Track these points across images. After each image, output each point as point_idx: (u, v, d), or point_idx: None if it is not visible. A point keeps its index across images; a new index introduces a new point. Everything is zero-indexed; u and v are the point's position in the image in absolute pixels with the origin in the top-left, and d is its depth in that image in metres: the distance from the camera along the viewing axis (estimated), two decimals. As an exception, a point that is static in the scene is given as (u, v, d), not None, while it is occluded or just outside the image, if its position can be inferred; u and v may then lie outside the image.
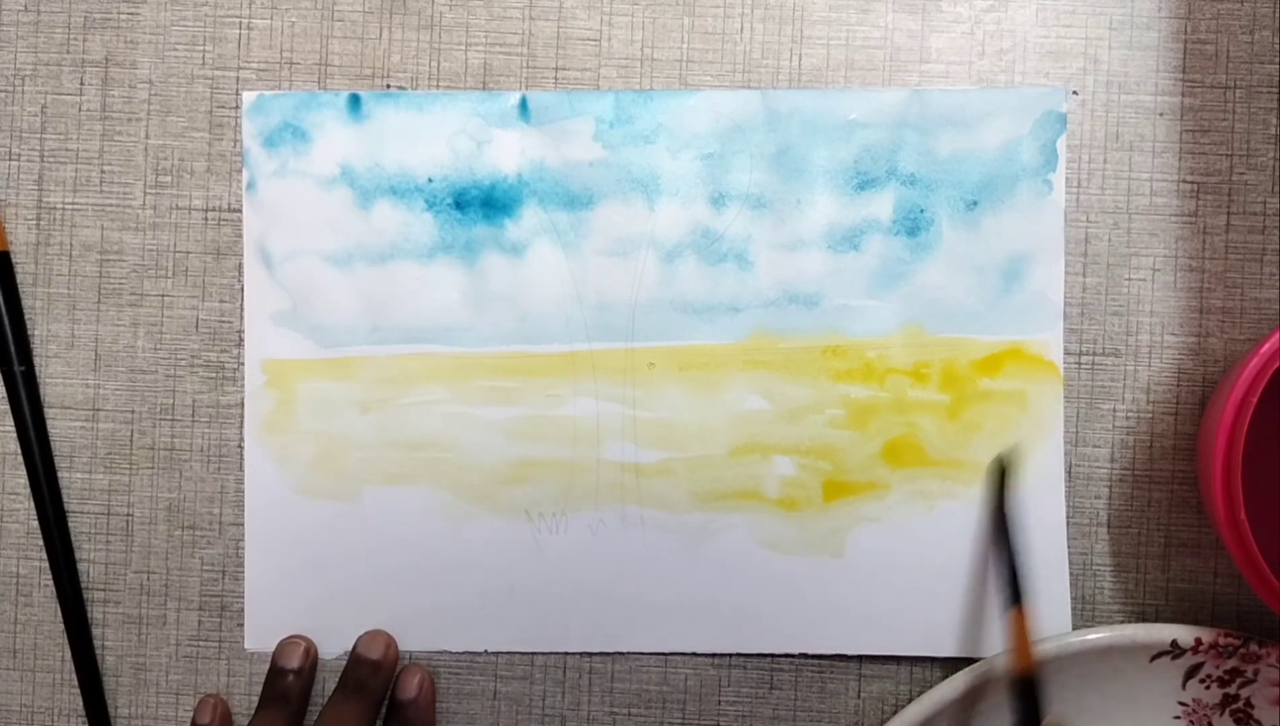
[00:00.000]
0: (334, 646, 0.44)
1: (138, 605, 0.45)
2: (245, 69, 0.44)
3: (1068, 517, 0.43)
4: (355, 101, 0.44)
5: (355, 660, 0.43)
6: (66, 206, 0.45)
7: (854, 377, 0.43)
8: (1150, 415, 0.43)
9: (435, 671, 0.44)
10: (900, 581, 0.43)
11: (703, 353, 0.43)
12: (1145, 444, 0.43)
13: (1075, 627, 0.42)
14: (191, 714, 0.44)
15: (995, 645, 0.42)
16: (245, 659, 0.44)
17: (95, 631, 0.45)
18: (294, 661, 0.43)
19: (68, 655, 0.45)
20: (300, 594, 0.44)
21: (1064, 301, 0.43)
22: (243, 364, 0.44)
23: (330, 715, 0.41)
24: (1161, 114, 0.43)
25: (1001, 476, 0.42)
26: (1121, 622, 0.43)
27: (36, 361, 0.45)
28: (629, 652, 0.44)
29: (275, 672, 0.43)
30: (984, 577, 0.42)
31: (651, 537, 0.43)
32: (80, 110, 0.44)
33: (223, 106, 0.44)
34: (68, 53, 0.44)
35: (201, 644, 0.45)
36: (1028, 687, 0.39)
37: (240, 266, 0.44)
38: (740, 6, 0.43)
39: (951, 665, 0.42)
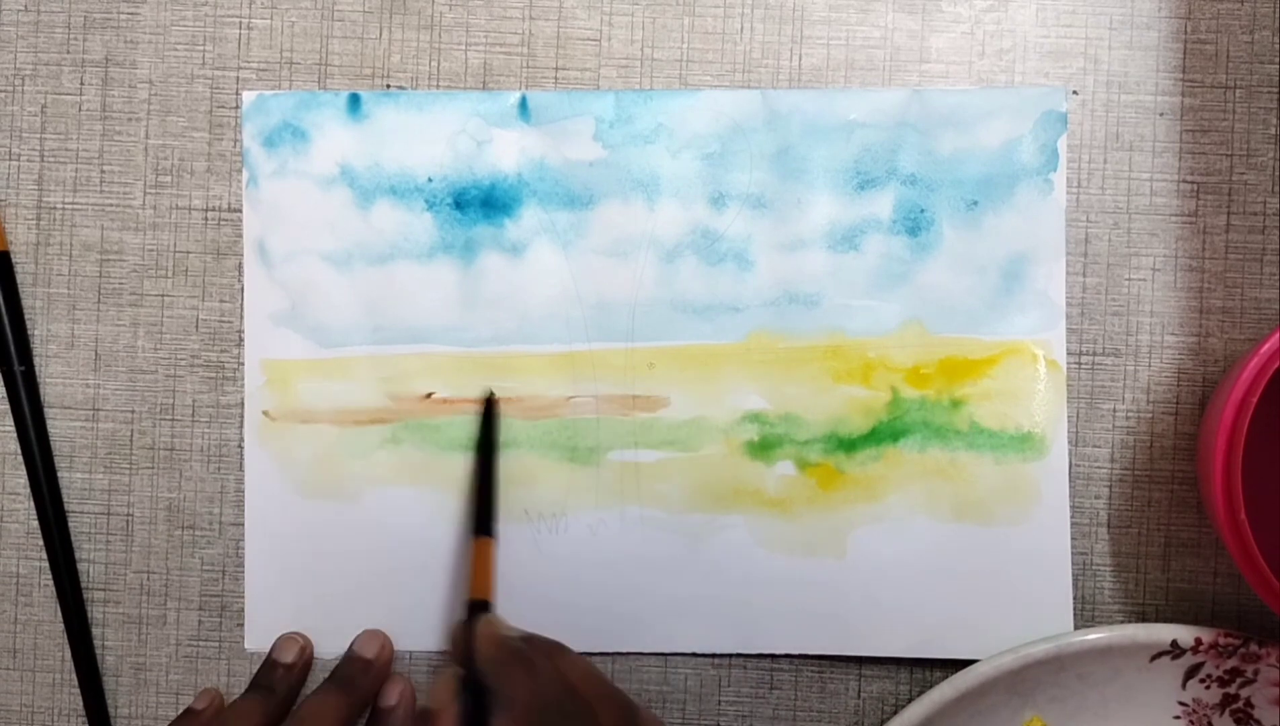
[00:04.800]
0: (333, 646, 0.44)
1: (138, 605, 0.45)
2: (245, 69, 0.44)
3: (1068, 517, 0.43)
4: (355, 101, 0.44)
5: (349, 657, 0.43)
6: (66, 206, 0.45)
7: (854, 377, 0.43)
8: (1150, 415, 0.43)
9: (435, 671, 0.44)
10: (900, 581, 0.43)
11: (703, 352, 0.43)
12: (1145, 444, 0.43)
13: (1075, 627, 0.42)
14: (191, 713, 0.44)
15: (995, 645, 0.42)
16: (245, 659, 0.44)
17: (95, 631, 0.45)
18: (288, 656, 0.43)
19: (68, 655, 0.45)
20: (300, 594, 0.44)
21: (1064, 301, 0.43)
22: (243, 364, 0.44)
23: (312, 702, 0.41)
24: (1161, 114, 0.43)
25: (488, 413, 0.43)
26: (1121, 622, 0.43)
27: (36, 361, 0.45)
28: (629, 652, 0.44)
29: (268, 664, 0.43)
30: (966, 573, 0.42)
31: (651, 537, 0.43)
32: (80, 110, 0.44)
33: (223, 106, 0.44)
34: (68, 53, 0.44)
35: (201, 644, 0.45)
36: (475, 610, 0.40)
37: (240, 266, 0.44)
38: (740, 6, 0.43)
39: (951, 665, 0.42)
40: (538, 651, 0.37)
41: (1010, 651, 0.41)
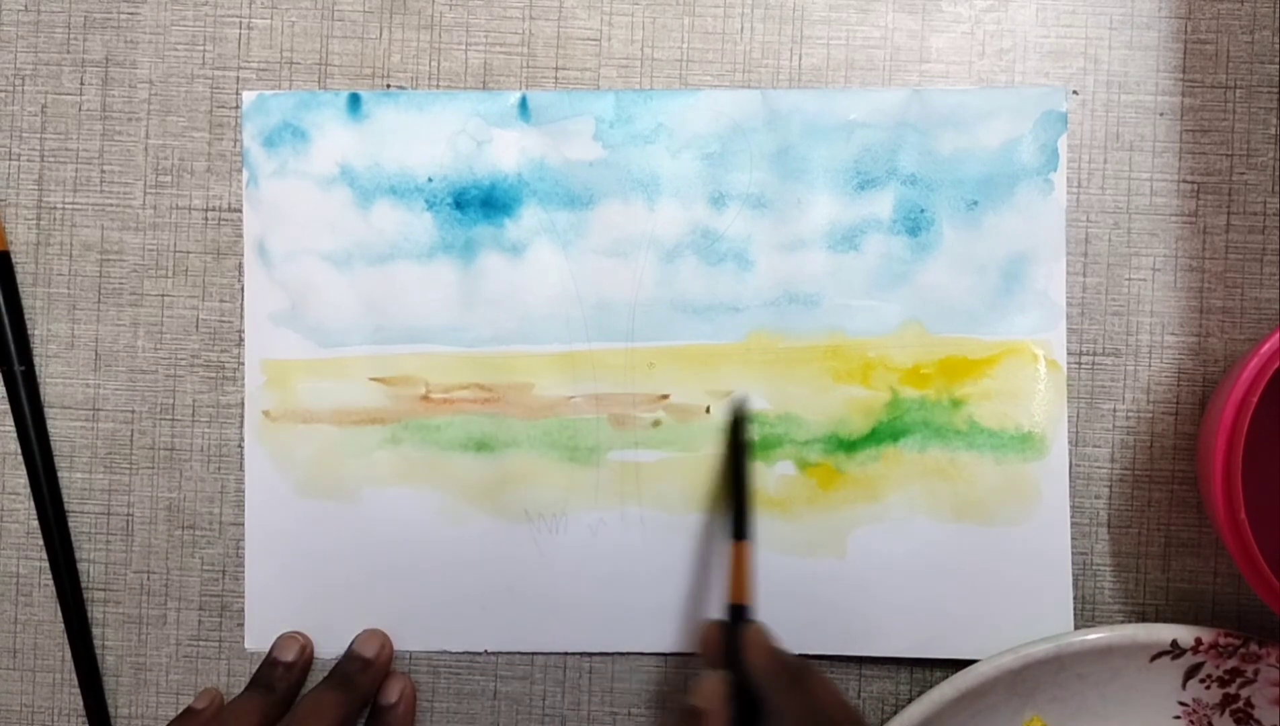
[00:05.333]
0: (332, 646, 0.44)
1: (138, 605, 0.45)
2: (245, 69, 0.44)
3: (1068, 517, 0.43)
4: (355, 101, 0.44)
5: (348, 656, 0.43)
6: (66, 206, 0.45)
7: (854, 377, 0.43)
8: (1150, 415, 0.43)
9: (435, 671, 0.44)
10: (900, 581, 0.43)
11: (703, 352, 0.43)
12: (1145, 444, 0.43)
13: (1075, 627, 0.42)
14: (191, 713, 0.44)
15: (996, 645, 0.42)
16: (245, 659, 0.44)
17: (95, 631, 0.45)
18: (288, 655, 0.43)
19: (68, 655, 0.45)
20: (300, 594, 0.44)
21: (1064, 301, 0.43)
22: (243, 364, 0.44)
23: (310, 699, 0.41)
24: (1161, 114, 0.43)
25: (737, 418, 0.43)
26: (1121, 622, 0.43)
27: (36, 361, 0.45)
28: (629, 653, 0.44)
29: (268, 663, 0.43)
30: (959, 571, 0.42)
31: (651, 537, 0.43)
32: (80, 110, 0.44)
33: (223, 106, 0.44)
34: (68, 53, 0.44)
35: (201, 644, 0.45)
36: (739, 614, 0.39)
37: (240, 266, 0.44)
38: (740, 6, 0.43)
39: (951, 665, 0.42)
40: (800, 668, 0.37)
41: (1010, 651, 0.41)
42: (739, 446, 0.42)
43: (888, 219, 0.43)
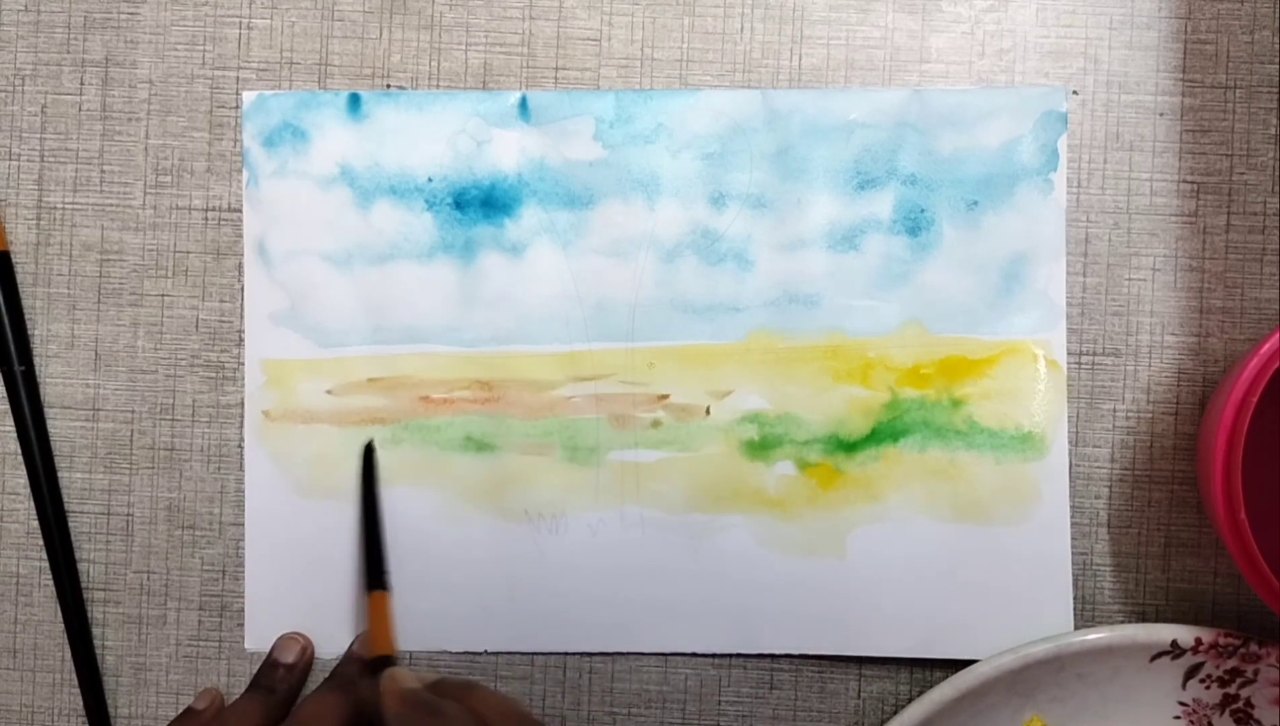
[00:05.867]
0: (333, 646, 0.44)
1: (138, 605, 0.45)
2: (245, 69, 0.44)
3: (1068, 517, 0.43)
4: (355, 101, 0.44)
5: (349, 657, 0.43)
6: (66, 206, 0.45)
7: (854, 378, 0.43)
8: (1150, 415, 0.43)
9: (435, 671, 0.44)
10: (900, 581, 0.43)
11: (703, 352, 0.43)
12: (1145, 444, 0.43)
13: (1075, 627, 0.42)
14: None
15: (995, 645, 0.42)
16: (245, 659, 0.44)
17: (95, 631, 0.45)
18: (289, 656, 0.43)
19: (68, 655, 0.45)
20: (300, 594, 0.44)
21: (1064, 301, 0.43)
22: (243, 364, 0.44)
23: (311, 702, 0.41)
24: (1161, 114, 0.43)
25: (368, 461, 0.43)
26: (1121, 622, 0.43)
27: (36, 361, 0.45)
28: (629, 652, 0.44)
29: (268, 664, 0.43)
30: (950, 575, 0.42)
31: (651, 537, 0.43)
32: (80, 110, 0.44)
33: (223, 106, 0.44)
34: (68, 53, 0.44)
35: (201, 644, 0.45)
36: (380, 666, 0.39)
37: (240, 266, 0.44)
38: (740, 6, 0.43)
39: (951, 665, 0.42)
40: (448, 695, 0.37)
41: (1010, 651, 0.41)
42: (369, 489, 0.43)
43: (888, 219, 0.43)
